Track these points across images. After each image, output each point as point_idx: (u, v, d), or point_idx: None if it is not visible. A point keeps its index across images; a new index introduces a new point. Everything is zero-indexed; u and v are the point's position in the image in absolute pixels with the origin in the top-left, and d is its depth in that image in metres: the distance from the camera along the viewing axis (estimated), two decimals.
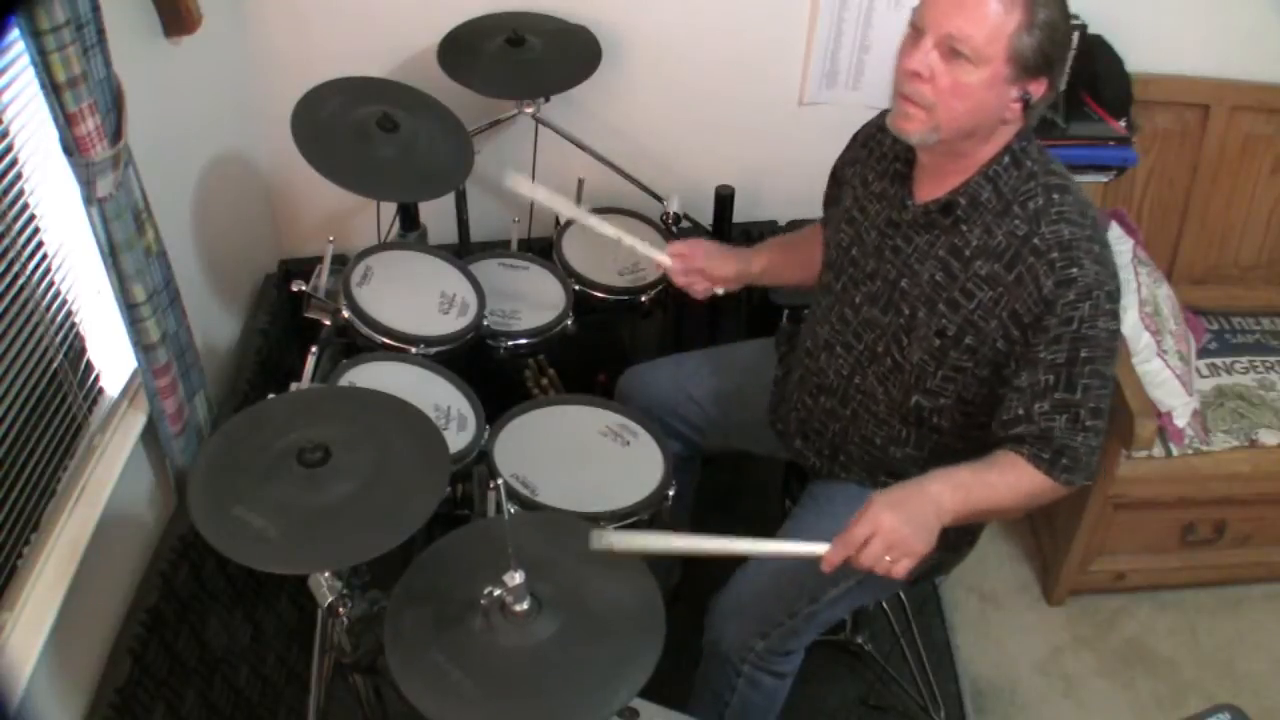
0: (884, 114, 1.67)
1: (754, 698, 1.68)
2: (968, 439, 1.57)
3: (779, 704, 1.73)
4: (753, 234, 2.45)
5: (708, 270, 1.80)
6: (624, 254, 2.05)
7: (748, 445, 1.92)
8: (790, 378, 1.78)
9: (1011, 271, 1.44)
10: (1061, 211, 1.44)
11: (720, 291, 1.82)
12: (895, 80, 1.45)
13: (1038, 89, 1.40)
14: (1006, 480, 1.46)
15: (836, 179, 1.76)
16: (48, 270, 1.52)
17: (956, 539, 1.69)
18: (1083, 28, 2.29)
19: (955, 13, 1.35)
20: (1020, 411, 1.46)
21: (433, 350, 1.84)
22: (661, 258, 1.81)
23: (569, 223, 2.24)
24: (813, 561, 1.62)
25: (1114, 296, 1.43)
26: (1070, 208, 1.45)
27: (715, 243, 1.87)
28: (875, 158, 1.62)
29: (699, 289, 1.82)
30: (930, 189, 1.52)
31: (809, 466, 1.76)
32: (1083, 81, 2.34)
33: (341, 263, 1.94)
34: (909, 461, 1.63)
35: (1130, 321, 2.15)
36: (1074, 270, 1.41)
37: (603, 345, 2.30)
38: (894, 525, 1.34)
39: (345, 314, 1.83)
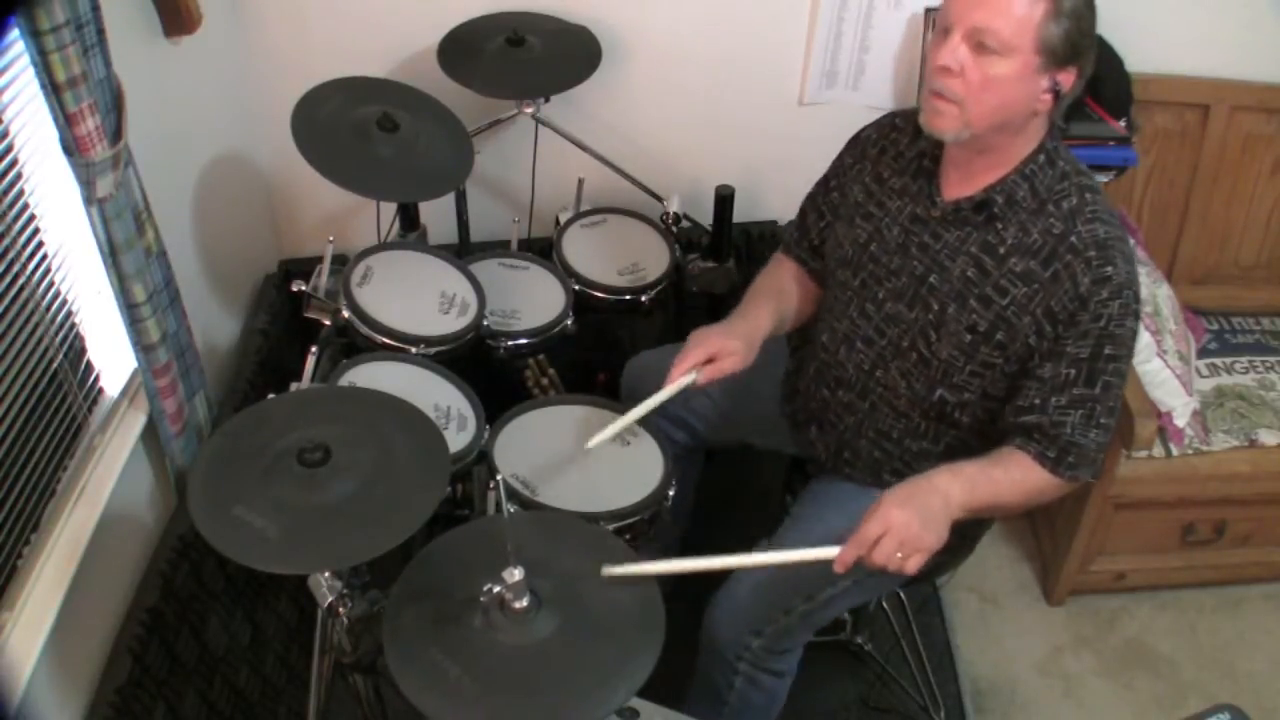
0: (891, 115, 1.68)
1: (753, 696, 1.68)
2: (985, 436, 1.57)
3: (779, 703, 1.73)
4: (752, 234, 2.45)
5: (723, 355, 1.59)
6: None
7: (755, 438, 1.92)
8: (804, 371, 1.78)
9: (1048, 269, 1.45)
10: (1095, 211, 1.46)
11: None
12: (925, 78, 1.45)
13: (1067, 79, 1.40)
14: (1012, 476, 1.47)
15: (837, 184, 1.72)
16: (48, 270, 1.52)
17: (957, 541, 1.68)
18: None
19: (981, 5, 1.36)
20: (1036, 401, 1.47)
21: (433, 350, 1.84)
22: (684, 381, 1.60)
23: (569, 223, 2.24)
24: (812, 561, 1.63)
25: (1138, 296, 1.46)
26: (1102, 207, 1.47)
27: (717, 332, 1.63)
28: (890, 155, 1.62)
29: (729, 366, 1.60)
30: (961, 185, 1.52)
31: (815, 457, 1.76)
32: None
33: (341, 263, 1.94)
34: (924, 455, 1.63)
35: None
36: (1109, 269, 1.42)
37: (603, 345, 2.30)
38: (905, 521, 1.34)
39: (345, 314, 1.83)
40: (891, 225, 1.59)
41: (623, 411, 1.81)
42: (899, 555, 1.34)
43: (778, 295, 1.75)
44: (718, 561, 1.41)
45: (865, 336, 1.63)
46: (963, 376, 1.55)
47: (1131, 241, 2.26)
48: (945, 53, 1.39)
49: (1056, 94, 1.41)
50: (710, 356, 1.59)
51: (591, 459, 1.74)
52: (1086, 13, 1.39)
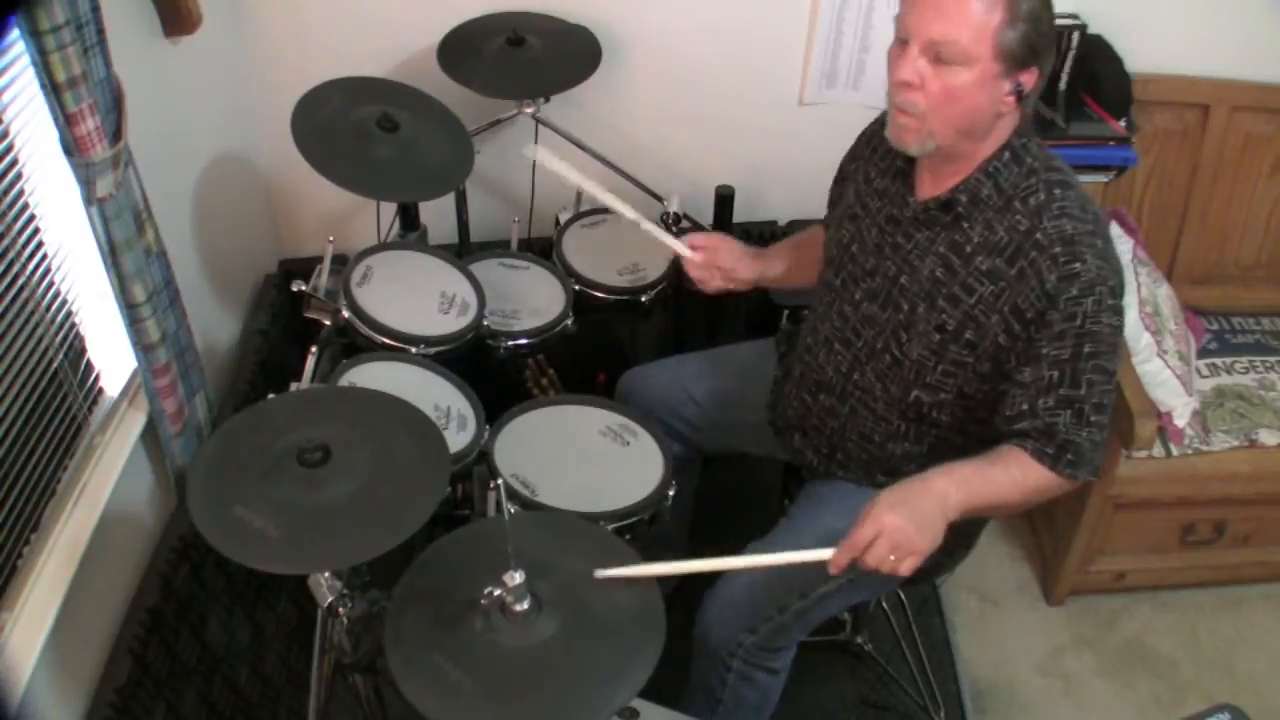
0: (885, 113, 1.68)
1: (747, 694, 1.69)
2: (967, 434, 1.57)
3: (772, 700, 1.73)
4: (752, 234, 2.45)
5: (729, 270, 1.78)
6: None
7: (747, 446, 1.92)
8: (790, 376, 1.78)
9: (1014, 266, 1.44)
10: (1063, 207, 1.44)
11: (731, 287, 1.80)
12: (888, 93, 1.45)
13: (1029, 80, 1.40)
14: (1011, 475, 1.46)
15: (841, 177, 1.76)
16: (48, 270, 1.52)
17: (953, 542, 1.68)
18: (1083, 28, 2.29)
19: (937, 18, 1.36)
20: (1024, 406, 1.46)
21: (433, 350, 1.84)
22: (682, 249, 1.77)
23: (569, 223, 2.24)
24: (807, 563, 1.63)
25: (1117, 292, 1.44)
26: (1072, 203, 1.45)
27: (736, 241, 1.82)
28: (879, 155, 1.63)
29: (713, 286, 1.79)
30: (931, 186, 1.52)
31: (807, 464, 1.76)
32: (1082, 81, 2.33)
33: (341, 263, 1.94)
34: (907, 458, 1.63)
35: (1130, 321, 2.15)
36: (1076, 265, 1.41)
37: (603, 345, 2.30)
38: (898, 525, 1.34)
39: (345, 314, 1.83)
40: (871, 227, 1.59)
41: (619, 413, 1.83)
42: (892, 558, 1.34)
43: (799, 245, 1.86)
44: (710, 563, 1.41)
45: (843, 338, 1.63)
46: (935, 376, 1.55)
47: (1132, 243, 2.29)
48: (905, 67, 1.39)
49: (1019, 95, 1.41)
50: (719, 267, 1.75)
51: (591, 459, 1.75)
52: (1044, 13, 1.38)
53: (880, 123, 1.67)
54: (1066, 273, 1.41)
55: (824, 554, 1.38)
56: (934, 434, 1.62)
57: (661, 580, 1.36)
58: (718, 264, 1.77)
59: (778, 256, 1.84)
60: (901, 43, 1.41)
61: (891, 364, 1.57)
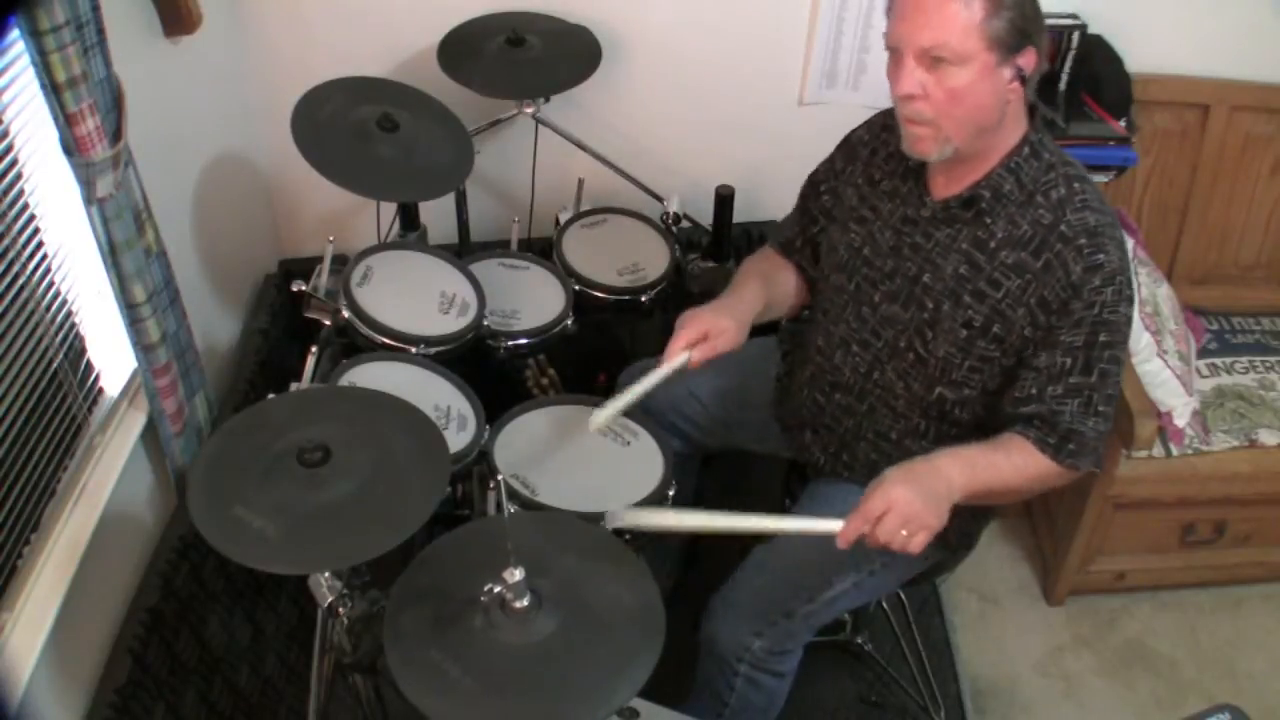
0: (881, 114, 1.68)
1: (753, 697, 1.68)
2: (986, 432, 1.57)
3: (779, 703, 1.73)
4: (752, 234, 2.45)
5: (715, 334, 1.61)
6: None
7: (749, 443, 1.92)
8: (798, 375, 1.78)
9: (1039, 259, 1.46)
10: (1085, 200, 1.46)
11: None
12: (895, 107, 1.47)
13: (1027, 61, 1.40)
14: (1013, 462, 1.47)
15: (818, 189, 1.74)
16: (48, 270, 1.52)
17: (955, 540, 1.69)
18: (1083, 28, 2.29)
19: (923, 25, 1.37)
20: (1033, 391, 1.47)
21: (433, 350, 1.84)
22: (678, 362, 1.60)
23: (569, 223, 2.24)
24: (809, 562, 1.63)
25: (1131, 283, 1.46)
26: (1091, 196, 1.47)
27: (725, 316, 1.63)
28: (882, 157, 1.63)
29: (722, 345, 1.62)
30: (948, 184, 1.53)
31: (813, 462, 1.76)
32: (1083, 81, 2.33)
33: (341, 263, 1.94)
34: (924, 455, 1.63)
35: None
36: (1100, 256, 1.43)
37: (603, 345, 2.30)
38: (909, 499, 1.34)
39: (345, 314, 1.83)
40: (884, 229, 1.59)
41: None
42: (903, 533, 1.34)
43: (767, 280, 1.76)
44: (719, 520, 1.42)
45: (861, 340, 1.63)
46: (961, 373, 1.55)
47: (1132, 243, 2.29)
48: (905, 80, 1.40)
49: (1023, 79, 1.41)
50: (702, 335, 1.59)
51: (591, 459, 1.74)
52: None
53: (877, 125, 1.67)
54: (1091, 263, 1.43)
55: (834, 525, 1.37)
56: (954, 432, 1.62)
57: (661, 581, 1.36)
58: (717, 352, 1.62)
59: (755, 301, 1.70)
60: (895, 53, 1.42)
61: (915, 362, 1.58)
